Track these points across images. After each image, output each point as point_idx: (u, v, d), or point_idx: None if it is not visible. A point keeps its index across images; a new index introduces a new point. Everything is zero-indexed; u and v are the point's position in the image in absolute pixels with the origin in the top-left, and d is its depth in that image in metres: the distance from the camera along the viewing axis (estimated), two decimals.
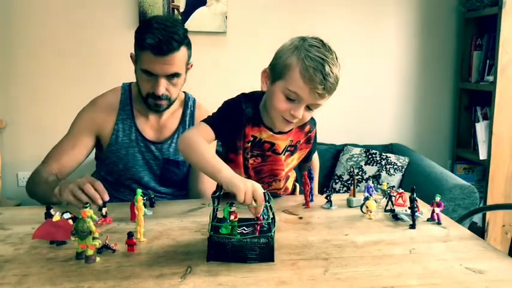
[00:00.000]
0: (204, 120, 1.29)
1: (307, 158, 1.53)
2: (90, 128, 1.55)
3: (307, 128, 1.42)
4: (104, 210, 1.20)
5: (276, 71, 1.24)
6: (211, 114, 1.32)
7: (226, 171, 1.10)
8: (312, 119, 1.45)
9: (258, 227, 1.02)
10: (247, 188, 1.03)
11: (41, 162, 1.53)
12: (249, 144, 1.34)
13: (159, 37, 1.39)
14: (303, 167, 1.58)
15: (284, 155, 1.39)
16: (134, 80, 1.59)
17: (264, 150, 1.36)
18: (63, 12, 2.64)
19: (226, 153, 1.38)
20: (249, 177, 1.36)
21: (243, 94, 1.36)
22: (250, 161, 1.37)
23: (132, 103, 1.57)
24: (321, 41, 1.24)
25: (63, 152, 1.52)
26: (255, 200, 1.03)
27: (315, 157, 1.60)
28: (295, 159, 1.45)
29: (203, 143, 1.21)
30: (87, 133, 1.54)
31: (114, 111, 1.56)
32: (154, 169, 1.59)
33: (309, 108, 1.24)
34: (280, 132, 1.34)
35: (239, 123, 1.31)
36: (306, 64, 1.17)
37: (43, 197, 1.39)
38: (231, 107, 1.32)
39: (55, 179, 1.41)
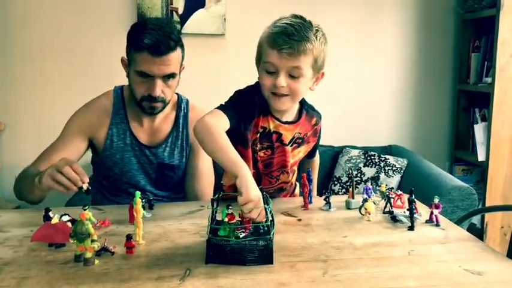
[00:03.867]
0: (218, 108, 1.28)
1: (312, 153, 1.53)
2: (83, 130, 1.53)
3: (314, 120, 1.44)
4: (85, 185, 1.19)
5: (257, 57, 1.33)
6: (223, 104, 1.31)
7: (245, 170, 1.10)
8: (318, 112, 1.47)
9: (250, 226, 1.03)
10: (255, 200, 1.03)
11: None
12: (258, 134, 1.34)
13: (157, 37, 1.38)
14: (304, 164, 1.58)
15: (291, 146, 1.39)
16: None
17: (273, 141, 1.36)
18: (61, 15, 2.64)
19: (236, 147, 1.34)
20: (257, 170, 1.37)
21: (252, 86, 1.36)
22: (260, 154, 1.36)
23: (125, 107, 1.56)
24: (296, 15, 1.29)
25: (53, 152, 1.50)
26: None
27: (316, 155, 1.61)
28: (301, 152, 1.45)
29: (222, 132, 1.19)
30: (79, 135, 1.53)
31: (108, 115, 1.55)
32: (150, 173, 1.58)
33: (291, 76, 1.26)
34: (287, 122, 1.36)
35: (252, 114, 1.32)
36: (270, 33, 1.26)
37: (26, 192, 1.37)
38: (244, 98, 1.33)
39: (37, 172, 1.37)
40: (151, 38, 1.38)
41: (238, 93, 1.34)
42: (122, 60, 1.52)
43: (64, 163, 1.21)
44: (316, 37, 1.26)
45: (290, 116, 1.38)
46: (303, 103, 1.42)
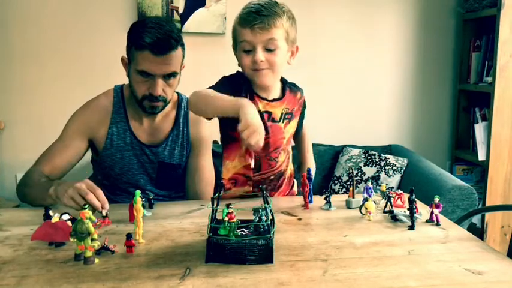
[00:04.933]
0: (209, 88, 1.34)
1: (299, 126, 1.54)
2: (83, 131, 1.53)
3: (298, 94, 1.51)
4: (104, 211, 1.20)
5: (233, 44, 1.40)
6: (212, 86, 1.36)
7: (245, 101, 1.21)
8: (300, 88, 1.53)
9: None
10: (258, 130, 1.14)
11: (32, 165, 1.51)
12: None
13: (158, 36, 1.39)
14: (298, 140, 1.60)
15: (283, 122, 1.43)
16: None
17: (265, 121, 1.38)
18: (61, 14, 2.64)
19: (227, 133, 1.41)
20: (256, 155, 1.39)
21: (236, 72, 1.42)
22: None
23: (125, 106, 1.56)
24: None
25: (54, 153, 1.50)
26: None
27: (304, 126, 1.60)
28: (292, 128, 1.49)
29: (212, 90, 1.29)
30: (79, 136, 1.53)
31: (108, 114, 1.54)
32: (150, 172, 1.58)
33: (268, 50, 1.33)
34: (273, 100, 1.41)
35: (239, 92, 1.35)
36: (240, 15, 1.34)
37: (35, 199, 1.37)
38: (231, 79, 1.40)
39: (47, 180, 1.40)
40: (152, 37, 1.38)
41: (225, 77, 1.41)
42: (122, 59, 1.52)
43: (87, 188, 1.20)
44: (284, 12, 1.34)
45: (275, 94, 1.44)
46: (284, 82, 1.47)
